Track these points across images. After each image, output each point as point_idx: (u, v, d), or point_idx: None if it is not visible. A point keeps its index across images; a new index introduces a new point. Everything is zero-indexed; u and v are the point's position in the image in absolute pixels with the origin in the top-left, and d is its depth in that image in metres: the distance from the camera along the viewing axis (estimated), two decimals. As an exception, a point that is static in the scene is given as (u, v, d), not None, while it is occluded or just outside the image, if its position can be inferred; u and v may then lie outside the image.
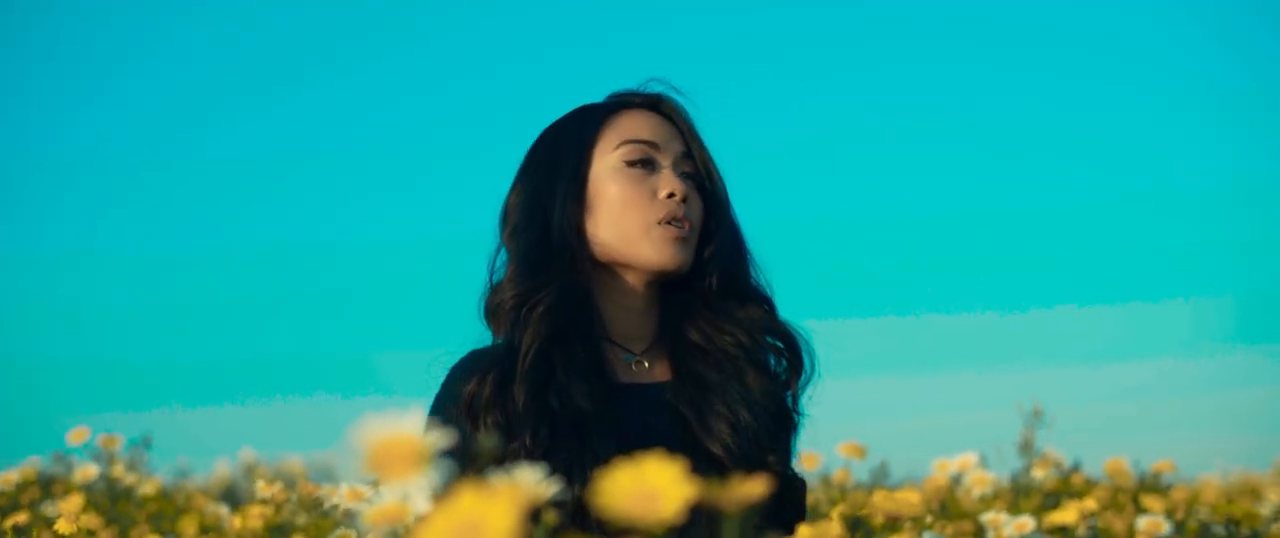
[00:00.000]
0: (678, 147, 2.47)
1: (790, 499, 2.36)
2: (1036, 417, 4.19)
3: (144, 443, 5.47)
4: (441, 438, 1.28)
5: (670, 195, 2.39)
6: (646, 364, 2.42)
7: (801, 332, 2.46)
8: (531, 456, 2.20)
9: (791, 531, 2.14)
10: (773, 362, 2.43)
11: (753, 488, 1.30)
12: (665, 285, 2.44)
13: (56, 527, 3.33)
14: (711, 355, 2.39)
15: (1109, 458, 4.28)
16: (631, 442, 2.29)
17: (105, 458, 5.11)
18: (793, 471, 2.40)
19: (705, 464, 2.29)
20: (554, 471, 2.12)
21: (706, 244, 2.44)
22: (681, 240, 2.39)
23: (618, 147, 2.43)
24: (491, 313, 2.41)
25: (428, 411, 2.34)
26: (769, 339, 2.43)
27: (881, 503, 1.61)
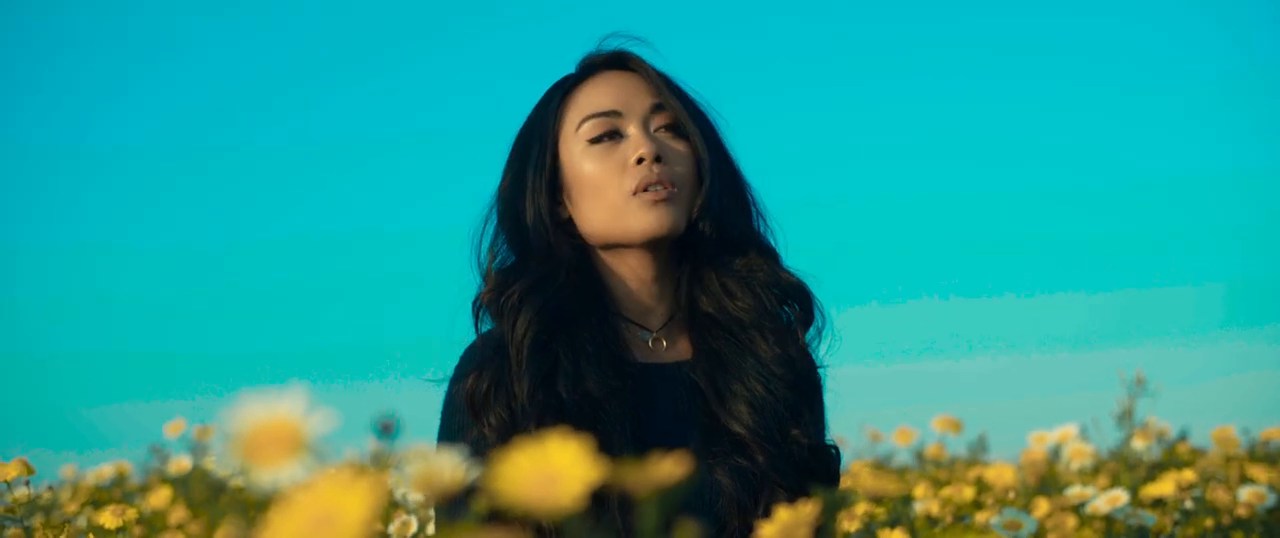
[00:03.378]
0: (644, 102, 2.32)
1: (820, 472, 2.23)
2: (1139, 385, 4.01)
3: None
4: (321, 423, 1.19)
5: (639, 160, 2.26)
6: (665, 342, 2.31)
7: (806, 282, 2.33)
8: None
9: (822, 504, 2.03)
10: (785, 314, 2.31)
11: (668, 471, 1.20)
12: (673, 253, 2.32)
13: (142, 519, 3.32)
14: (724, 326, 2.28)
15: (1216, 428, 4.09)
16: (652, 425, 2.19)
17: (200, 450, 5.12)
18: (822, 442, 2.28)
19: (729, 444, 2.18)
20: None
21: (698, 194, 2.30)
22: (663, 201, 2.26)
23: (579, 126, 2.31)
24: (477, 306, 2.31)
25: (440, 408, 2.27)
26: (775, 291, 2.30)
27: (867, 481, 1.50)
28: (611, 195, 2.27)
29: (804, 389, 2.26)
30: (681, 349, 2.32)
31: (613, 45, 2.40)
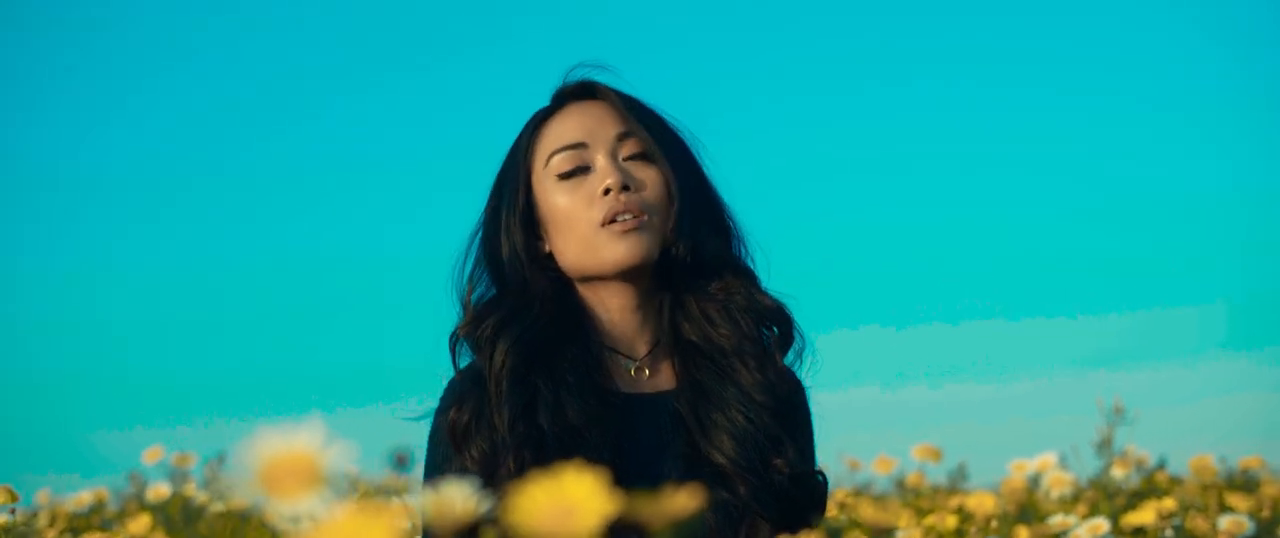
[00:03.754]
0: (611, 131, 2.32)
1: (803, 500, 2.24)
2: (1117, 414, 4.03)
3: (219, 460, 5.46)
4: (338, 455, 1.19)
5: (606, 191, 2.26)
6: (648, 372, 2.32)
7: (784, 305, 2.32)
8: (519, 480, 2.11)
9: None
10: (765, 337, 2.31)
11: (685, 503, 1.21)
12: (654, 280, 2.32)
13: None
14: (707, 353, 2.28)
15: (1194, 456, 4.12)
16: (634, 455, 2.20)
17: (179, 477, 5.11)
18: (808, 468, 2.28)
19: (712, 476, 2.19)
20: None
21: (669, 219, 2.29)
22: (633, 230, 2.25)
23: (549, 160, 2.32)
24: (454, 339, 2.32)
25: (426, 440, 2.27)
26: (753, 315, 2.30)
27: (868, 513, 1.51)
28: (582, 228, 2.27)
29: (786, 414, 2.26)
30: (665, 378, 2.32)
31: (577, 76, 2.40)
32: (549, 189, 2.30)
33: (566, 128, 2.33)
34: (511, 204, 2.33)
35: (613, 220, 2.25)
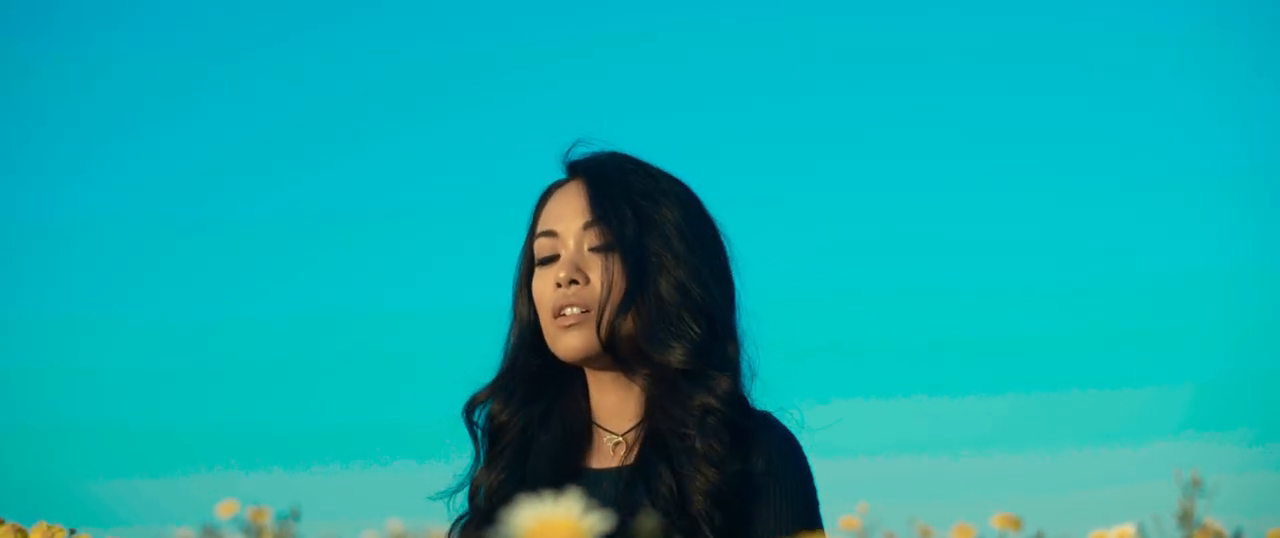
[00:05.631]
0: (579, 221, 2.37)
1: None
2: (1195, 486, 4.07)
3: (293, 516, 5.47)
4: (600, 522, 1.25)
5: (557, 284, 2.33)
6: (625, 447, 2.36)
7: (724, 400, 2.28)
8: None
9: None
10: (709, 428, 2.26)
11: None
12: (634, 362, 2.34)
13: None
14: (663, 437, 2.28)
15: (1272, 528, 4.14)
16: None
17: (253, 531, 5.15)
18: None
19: None
20: None
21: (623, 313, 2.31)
22: (573, 326, 2.30)
23: (533, 243, 2.41)
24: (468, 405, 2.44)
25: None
26: (695, 413, 2.27)
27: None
28: (544, 315, 2.36)
29: (733, 500, 2.24)
30: (634, 454, 2.34)
31: (569, 155, 2.47)
32: (534, 272, 2.39)
33: (550, 213, 2.41)
34: (518, 280, 2.45)
35: (560, 313, 2.32)
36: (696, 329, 2.32)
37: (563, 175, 2.47)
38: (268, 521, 5.58)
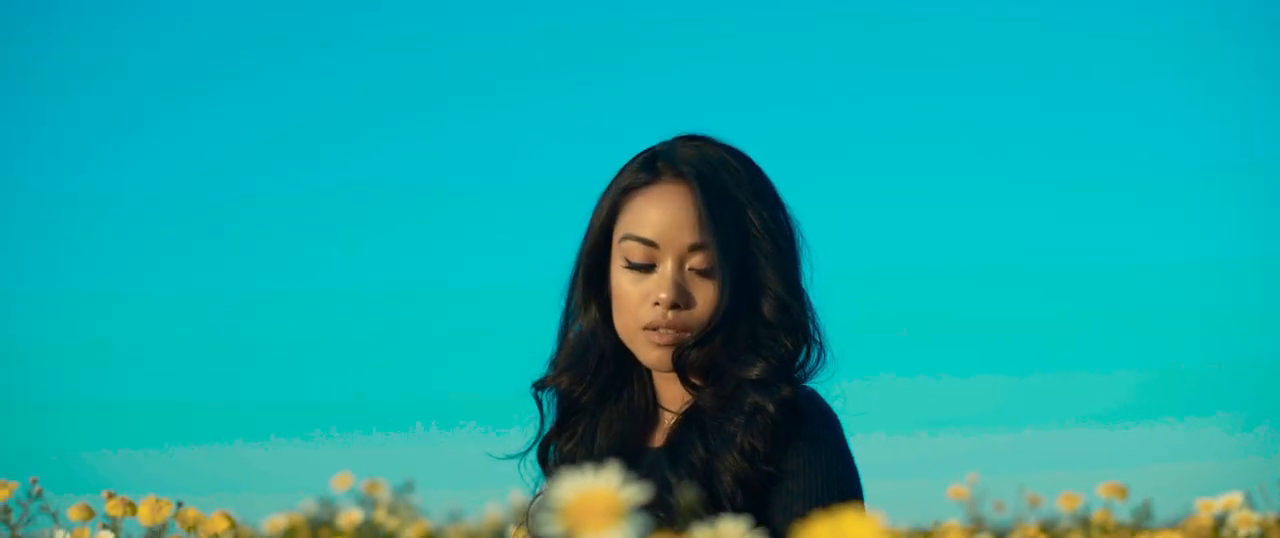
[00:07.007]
0: (684, 239, 2.29)
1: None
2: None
3: (407, 487, 5.61)
4: (638, 492, 1.29)
5: (656, 303, 2.27)
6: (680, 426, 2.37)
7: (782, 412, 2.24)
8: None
9: None
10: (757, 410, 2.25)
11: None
12: None
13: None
14: (704, 417, 2.28)
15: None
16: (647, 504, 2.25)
17: (370, 502, 5.27)
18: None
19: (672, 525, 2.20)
20: None
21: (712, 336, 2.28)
22: (666, 345, 2.28)
23: (621, 241, 2.33)
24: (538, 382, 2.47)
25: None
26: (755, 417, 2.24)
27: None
28: (628, 320, 2.31)
29: (762, 484, 2.23)
30: (675, 428, 2.36)
31: (675, 155, 2.36)
32: (618, 267, 2.33)
33: (647, 216, 2.32)
34: (586, 274, 2.39)
35: (654, 329, 2.28)
36: (788, 345, 2.31)
37: (651, 170, 2.36)
38: (383, 492, 5.64)
